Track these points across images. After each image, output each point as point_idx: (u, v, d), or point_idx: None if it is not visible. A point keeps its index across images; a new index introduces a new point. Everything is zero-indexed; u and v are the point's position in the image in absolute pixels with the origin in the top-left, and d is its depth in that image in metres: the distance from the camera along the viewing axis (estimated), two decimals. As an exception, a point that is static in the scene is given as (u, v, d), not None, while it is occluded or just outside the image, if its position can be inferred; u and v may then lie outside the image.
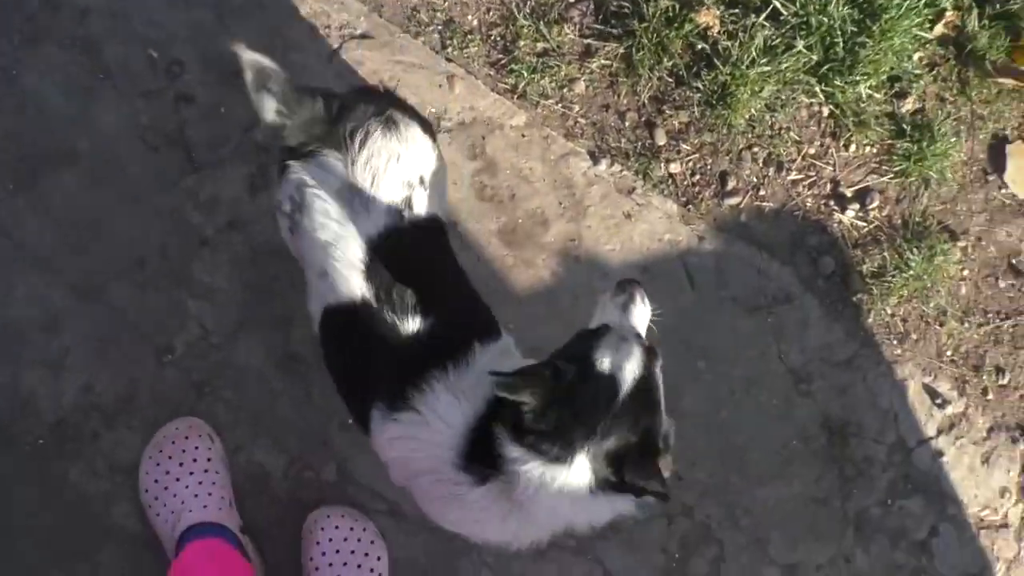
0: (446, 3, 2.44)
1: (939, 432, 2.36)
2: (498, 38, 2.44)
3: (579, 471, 1.46)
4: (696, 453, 2.27)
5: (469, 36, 2.43)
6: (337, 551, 2.04)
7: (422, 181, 1.72)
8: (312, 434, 2.19)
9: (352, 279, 1.66)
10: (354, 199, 1.65)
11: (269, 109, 1.66)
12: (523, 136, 2.40)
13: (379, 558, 2.08)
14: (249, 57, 1.65)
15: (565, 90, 2.43)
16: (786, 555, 2.26)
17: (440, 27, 2.43)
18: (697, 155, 2.43)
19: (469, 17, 2.45)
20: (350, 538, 2.06)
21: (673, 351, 2.32)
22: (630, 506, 1.56)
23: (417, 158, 1.72)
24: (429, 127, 1.83)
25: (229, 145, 2.30)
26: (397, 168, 1.67)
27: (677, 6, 2.37)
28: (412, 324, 1.64)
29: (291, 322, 2.23)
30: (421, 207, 1.71)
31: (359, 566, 2.05)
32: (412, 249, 1.69)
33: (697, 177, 2.43)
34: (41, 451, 2.08)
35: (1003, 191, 2.48)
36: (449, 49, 2.43)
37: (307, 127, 1.68)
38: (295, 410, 2.20)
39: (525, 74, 2.39)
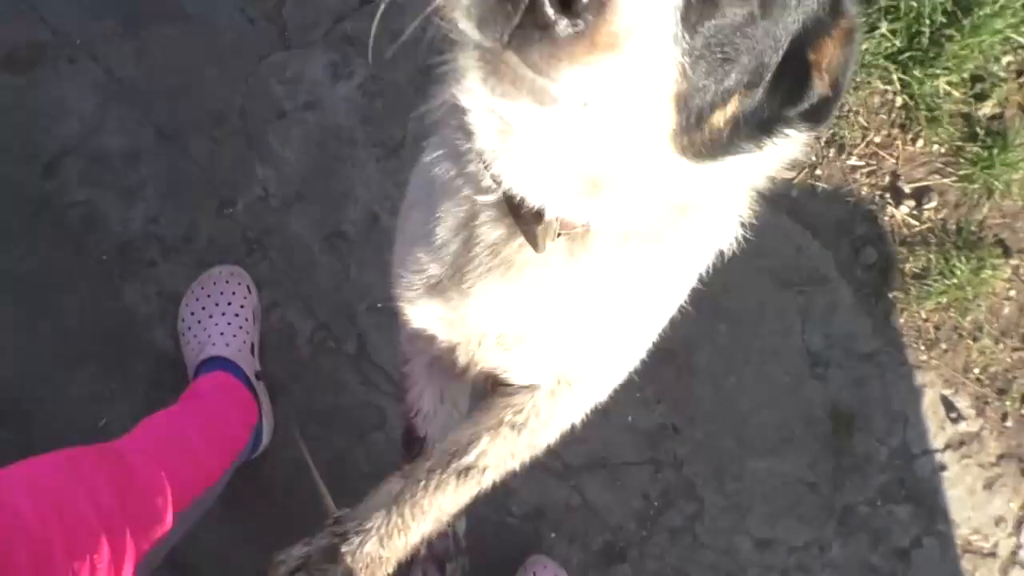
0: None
1: (947, 446, 2.32)
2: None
3: None
4: (699, 411, 2.32)
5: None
6: None
7: None
8: (342, 308, 2.34)
9: None
10: None
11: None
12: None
13: None
14: None
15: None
16: (763, 529, 2.29)
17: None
18: (761, 122, 2.43)
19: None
20: None
21: (697, 307, 2.34)
22: None
23: None
24: None
25: (319, 30, 2.44)
26: None
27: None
28: None
29: (346, 203, 2.39)
30: None
31: None
32: None
33: (756, 144, 2.43)
34: (104, 266, 2.29)
35: (1070, 218, 2.39)
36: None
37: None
38: (332, 283, 2.35)
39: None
